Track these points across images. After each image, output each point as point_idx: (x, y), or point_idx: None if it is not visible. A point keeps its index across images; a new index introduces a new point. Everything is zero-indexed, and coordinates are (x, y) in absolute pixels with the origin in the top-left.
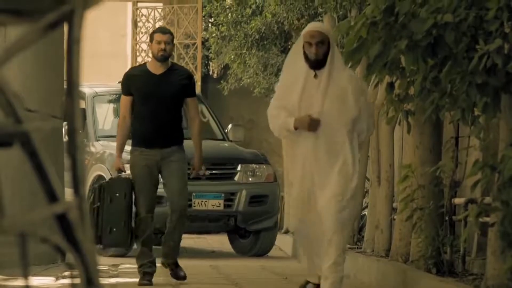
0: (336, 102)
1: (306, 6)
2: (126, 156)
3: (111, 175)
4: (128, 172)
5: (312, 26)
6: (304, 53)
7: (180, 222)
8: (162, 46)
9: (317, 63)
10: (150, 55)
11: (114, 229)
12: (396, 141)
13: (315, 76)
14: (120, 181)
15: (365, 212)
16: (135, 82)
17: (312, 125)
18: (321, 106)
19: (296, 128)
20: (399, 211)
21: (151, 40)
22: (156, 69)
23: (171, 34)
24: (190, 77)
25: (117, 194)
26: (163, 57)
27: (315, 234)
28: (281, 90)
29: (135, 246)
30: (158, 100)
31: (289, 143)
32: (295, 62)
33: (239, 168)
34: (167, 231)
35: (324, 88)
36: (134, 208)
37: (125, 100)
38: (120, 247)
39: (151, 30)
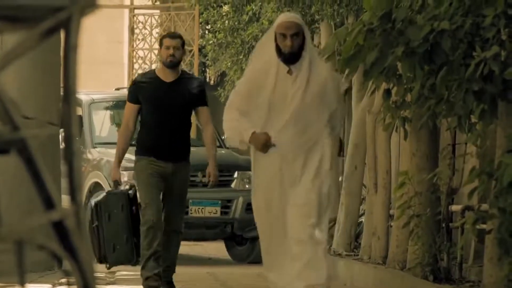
0: (317, 97)
1: (302, 13)
2: (125, 164)
3: (109, 183)
4: (125, 186)
5: (287, 16)
6: (277, 46)
7: (175, 240)
8: (171, 51)
9: (291, 57)
10: (147, 62)
11: (118, 246)
12: (393, 148)
13: (289, 71)
14: (116, 196)
15: (362, 219)
16: (144, 90)
17: (265, 147)
18: (299, 103)
19: (249, 142)
20: (396, 218)
21: (160, 45)
22: (166, 76)
23: (181, 38)
24: (201, 85)
25: (115, 211)
26: (172, 63)
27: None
28: (247, 86)
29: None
30: (168, 109)
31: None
32: (263, 55)
33: (235, 175)
34: (163, 249)
35: (303, 83)
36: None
37: (131, 108)
38: (126, 264)
39: (148, 37)
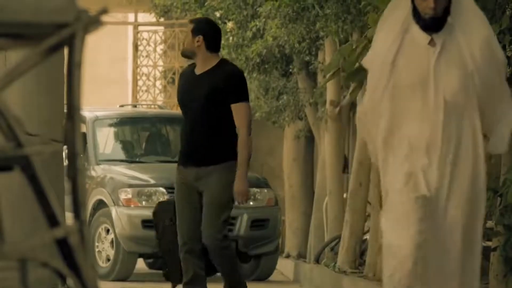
0: (464, 81)
1: (307, 29)
2: (129, 181)
3: (112, 200)
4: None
5: None
6: (414, 9)
7: (217, 256)
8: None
9: (433, 23)
10: (151, 78)
11: (169, 263)
12: None
13: (431, 42)
14: (163, 206)
15: (367, 236)
16: (180, 85)
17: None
18: (444, 87)
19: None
20: None
21: None
22: (198, 68)
23: (193, 22)
24: (232, 76)
25: (166, 223)
26: (182, 53)
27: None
28: (376, 74)
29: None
30: (194, 107)
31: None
32: (392, 21)
33: None
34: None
35: (448, 60)
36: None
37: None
38: (177, 283)
39: (152, 54)
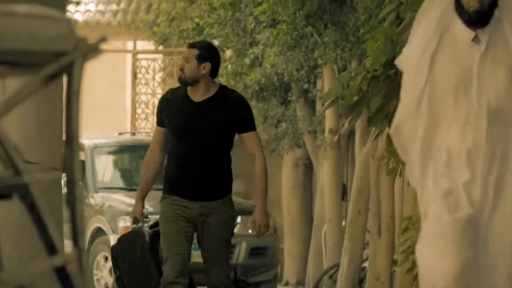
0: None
1: (306, 57)
2: (126, 208)
3: (111, 228)
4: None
5: None
6: (457, 1)
7: None
8: (181, 64)
9: (479, 18)
10: (150, 106)
11: None
12: (397, 193)
13: (475, 39)
14: (129, 237)
15: (366, 264)
16: (168, 109)
17: None
18: (488, 90)
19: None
20: (400, 263)
21: None
22: (196, 94)
23: (198, 48)
24: (242, 105)
25: (134, 255)
26: (180, 80)
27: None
28: (411, 76)
29: None
30: (195, 136)
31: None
32: (430, 17)
33: (238, 220)
34: None
35: (495, 59)
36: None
37: (156, 131)
38: None
39: (150, 82)
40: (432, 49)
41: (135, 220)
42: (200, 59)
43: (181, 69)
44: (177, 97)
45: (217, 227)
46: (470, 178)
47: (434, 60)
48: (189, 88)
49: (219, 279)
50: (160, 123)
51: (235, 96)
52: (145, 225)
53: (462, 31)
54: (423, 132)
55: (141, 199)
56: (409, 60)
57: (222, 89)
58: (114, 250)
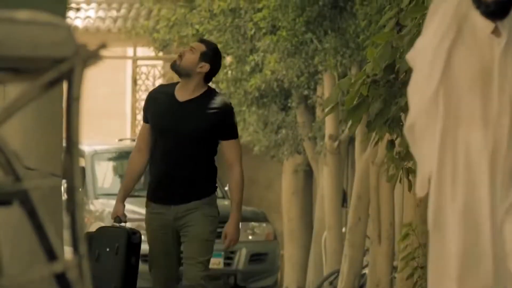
0: None
1: (305, 63)
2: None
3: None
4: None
5: None
6: None
7: None
8: (182, 52)
9: (498, 8)
10: None
11: None
12: (397, 199)
13: (495, 31)
14: (113, 232)
15: (366, 270)
16: (153, 106)
17: None
18: (511, 86)
19: None
20: (399, 269)
21: None
22: (183, 92)
23: (206, 45)
24: (226, 111)
25: (108, 249)
26: (172, 66)
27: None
28: (425, 70)
29: None
30: (175, 138)
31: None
32: (444, 8)
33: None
34: None
35: None
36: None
37: (142, 128)
38: None
39: (150, 88)
40: (450, 39)
41: (117, 220)
42: (203, 56)
43: (180, 56)
44: (163, 95)
45: (191, 225)
46: (489, 182)
47: (453, 50)
48: (178, 86)
49: (193, 274)
50: (145, 119)
51: (220, 101)
52: (128, 224)
53: (480, 23)
54: (438, 131)
55: (122, 200)
56: (423, 50)
57: (210, 92)
58: (90, 238)
